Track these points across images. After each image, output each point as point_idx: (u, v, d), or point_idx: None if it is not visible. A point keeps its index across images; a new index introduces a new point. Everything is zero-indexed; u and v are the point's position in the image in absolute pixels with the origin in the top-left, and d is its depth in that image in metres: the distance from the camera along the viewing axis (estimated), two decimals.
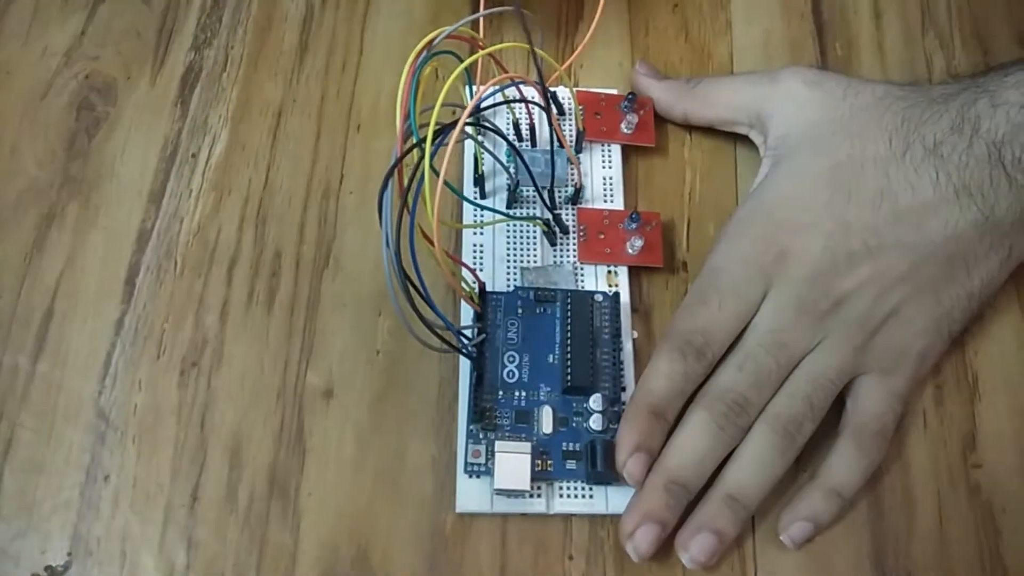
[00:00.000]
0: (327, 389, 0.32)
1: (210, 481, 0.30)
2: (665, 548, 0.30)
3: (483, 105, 0.32)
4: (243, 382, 0.32)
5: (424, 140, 0.25)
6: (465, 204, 0.34)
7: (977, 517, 0.31)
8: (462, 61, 0.28)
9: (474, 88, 0.33)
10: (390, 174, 0.24)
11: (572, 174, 0.35)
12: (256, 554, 0.29)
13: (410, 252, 0.25)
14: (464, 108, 0.26)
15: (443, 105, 0.25)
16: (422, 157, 0.25)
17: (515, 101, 0.34)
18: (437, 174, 0.25)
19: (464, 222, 0.34)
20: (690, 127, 0.37)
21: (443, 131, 0.25)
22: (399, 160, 0.24)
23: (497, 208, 0.34)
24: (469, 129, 0.31)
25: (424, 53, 0.26)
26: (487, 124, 0.31)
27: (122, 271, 0.33)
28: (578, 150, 0.35)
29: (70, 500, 0.30)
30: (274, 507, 0.30)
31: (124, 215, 0.34)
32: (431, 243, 0.26)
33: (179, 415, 0.31)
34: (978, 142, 0.30)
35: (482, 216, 0.34)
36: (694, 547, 0.29)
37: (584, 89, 0.37)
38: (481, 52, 0.28)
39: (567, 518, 0.31)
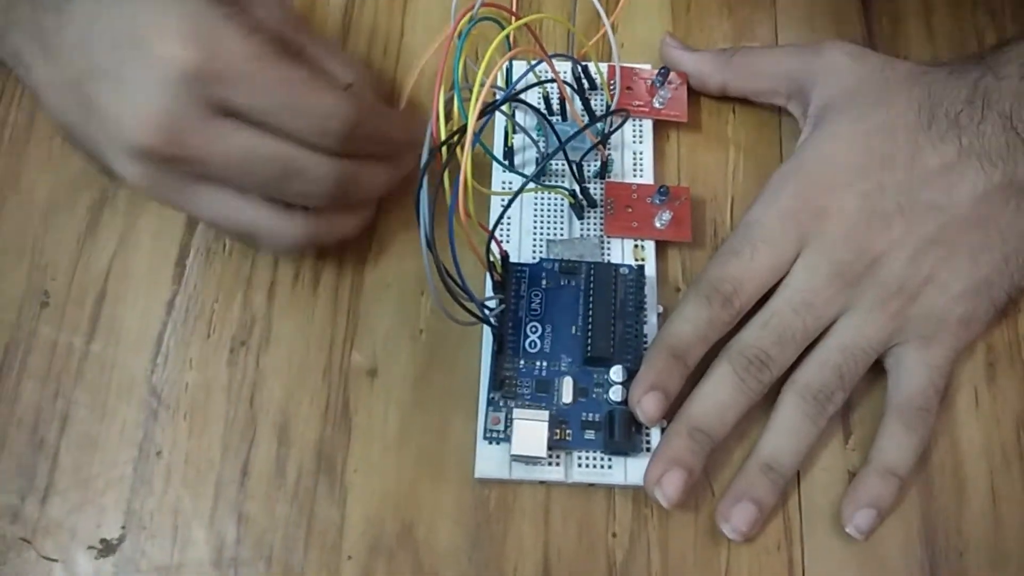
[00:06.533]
0: (371, 368, 0.32)
1: (259, 457, 0.31)
2: (710, 525, 0.30)
3: (518, 86, 0.32)
4: (290, 361, 0.32)
5: (461, 130, 0.25)
6: (493, 177, 0.35)
7: None
8: (503, 26, 0.28)
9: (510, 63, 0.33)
10: (427, 164, 0.24)
11: (608, 150, 0.35)
12: (304, 528, 0.30)
13: (448, 227, 0.25)
14: (499, 85, 0.26)
15: (465, 85, 0.25)
16: (461, 138, 0.25)
17: (546, 82, 0.34)
18: (480, 144, 0.25)
19: (493, 190, 0.34)
20: (732, 104, 0.37)
21: (483, 113, 0.26)
22: (432, 154, 0.24)
23: (524, 179, 0.34)
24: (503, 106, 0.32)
25: (465, 26, 0.26)
26: (520, 100, 0.31)
27: (173, 253, 0.34)
28: (609, 125, 0.35)
29: (124, 475, 0.31)
30: (321, 482, 0.30)
31: None
32: (467, 214, 0.26)
33: (229, 393, 0.32)
34: (990, 113, 0.31)
35: (511, 185, 0.34)
36: (735, 517, 0.29)
37: (615, 64, 0.36)
38: (513, 25, 0.28)
39: (610, 495, 0.31)
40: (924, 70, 0.33)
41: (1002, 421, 0.32)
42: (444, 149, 0.25)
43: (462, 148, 0.25)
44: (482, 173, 0.34)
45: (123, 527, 0.30)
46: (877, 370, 0.32)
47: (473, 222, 0.26)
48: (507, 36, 0.28)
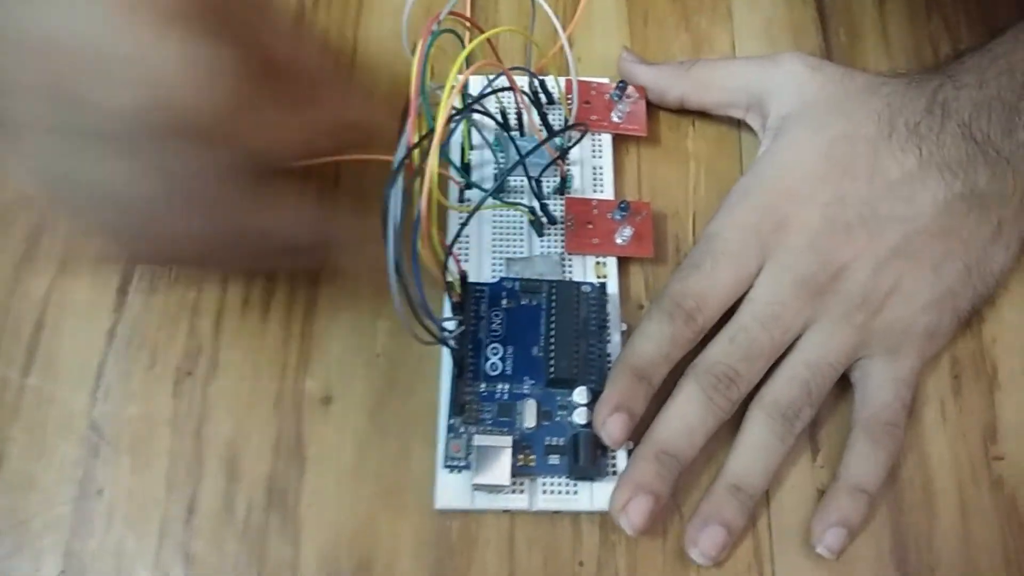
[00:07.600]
0: (325, 395, 0.31)
1: (206, 493, 0.29)
2: (679, 550, 0.29)
3: (474, 94, 0.31)
4: (239, 390, 0.31)
5: (429, 133, 0.24)
6: (450, 194, 0.34)
7: (1001, 511, 0.30)
8: (461, 39, 0.27)
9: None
10: (401, 163, 0.23)
11: (567, 165, 0.34)
12: (255, 567, 0.28)
13: (412, 244, 0.24)
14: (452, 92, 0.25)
15: (430, 88, 0.24)
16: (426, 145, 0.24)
17: (503, 90, 0.33)
18: (448, 160, 0.24)
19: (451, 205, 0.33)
20: (691, 118, 0.36)
21: (450, 120, 0.25)
22: (409, 151, 0.23)
23: (484, 194, 0.33)
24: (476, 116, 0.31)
25: (432, 31, 0.25)
26: (480, 110, 0.30)
27: (114, 279, 0.32)
28: (568, 139, 0.34)
29: (62, 516, 0.29)
30: (273, 518, 0.29)
31: None
32: (429, 233, 0.25)
33: (174, 426, 0.30)
34: (949, 122, 0.31)
35: (469, 201, 0.34)
36: (703, 540, 0.28)
37: (573, 77, 0.36)
38: (480, 37, 0.27)
39: (577, 521, 0.30)
40: (883, 80, 0.33)
41: (969, 435, 0.31)
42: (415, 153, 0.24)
43: (426, 160, 0.24)
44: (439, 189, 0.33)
45: (63, 571, 0.28)
46: (844, 384, 0.31)
47: (435, 240, 0.25)
48: (468, 50, 0.27)
